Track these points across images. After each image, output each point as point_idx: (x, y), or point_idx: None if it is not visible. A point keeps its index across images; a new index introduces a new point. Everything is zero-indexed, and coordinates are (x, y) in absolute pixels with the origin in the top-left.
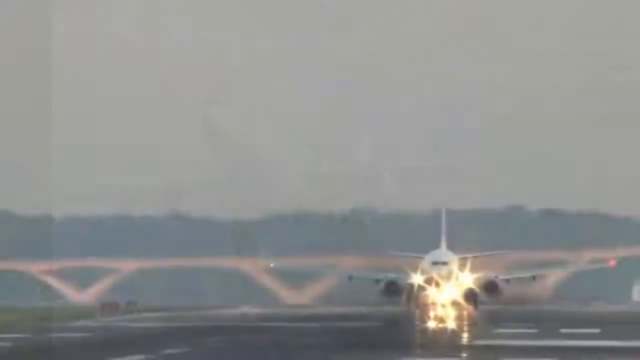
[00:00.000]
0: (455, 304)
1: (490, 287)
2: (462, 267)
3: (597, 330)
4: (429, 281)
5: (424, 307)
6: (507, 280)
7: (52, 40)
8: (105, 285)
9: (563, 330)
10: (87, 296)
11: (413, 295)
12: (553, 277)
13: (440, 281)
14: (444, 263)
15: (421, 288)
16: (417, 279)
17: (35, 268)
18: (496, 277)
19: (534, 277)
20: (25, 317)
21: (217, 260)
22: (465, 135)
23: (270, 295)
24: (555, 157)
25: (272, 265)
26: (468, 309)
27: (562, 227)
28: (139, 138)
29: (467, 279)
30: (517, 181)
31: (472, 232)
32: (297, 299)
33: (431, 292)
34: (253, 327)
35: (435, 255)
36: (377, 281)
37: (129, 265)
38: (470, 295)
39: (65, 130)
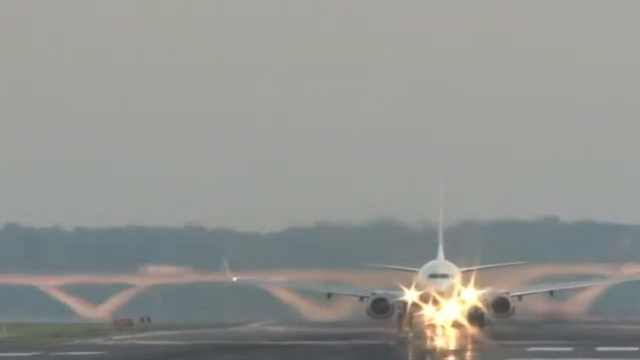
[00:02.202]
0: (456, 325)
1: (499, 305)
2: (465, 281)
3: (636, 349)
4: (425, 298)
5: (419, 329)
6: (520, 297)
7: None
8: (118, 301)
9: (599, 349)
10: (99, 312)
11: (406, 315)
12: (590, 292)
13: (439, 298)
14: (444, 276)
15: (415, 306)
16: (410, 295)
17: (46, 282)
18: (507, 293)
19: (551, 293)
20: (35, 334)
21: (236, 274)
22: None
23: (291, 311)
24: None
25: (235, 279)
26: (472, 330)
27: (598, 239)
28: None
29: (472, 295)
30: (552, 190)
31: (501, 244)
32: (319, 316)
33: (428, 311)
34: (271, 345)
35: (432, 266)
36: (362, 299)
37: (144, 280)
38: (475, 315)
39: None
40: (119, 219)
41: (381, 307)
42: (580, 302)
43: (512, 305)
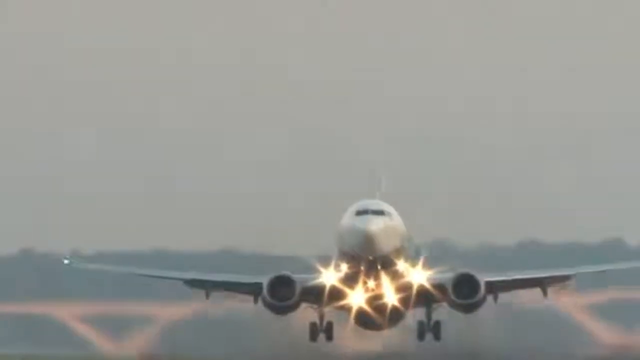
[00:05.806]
0: (395, 315)
1: (463, 284)
2: (417, 257)
3: None
4: (352, 278)
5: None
6: (495, 293)
7: None
8: (145, 333)
9: None
10: (123, 346)
11: (324, 315)
12: None
13: (368, 244)
14: (377, 212)
15: (339, 295)
16: (329, 276)
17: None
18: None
19: (544, 293)
20: None
21: None
22: None
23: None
24: None
25: (66, 261)
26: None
27: None
28: None
29: (421, 274)
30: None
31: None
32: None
33: (357, 296)
34: None
35: (363, 203)
36: (256, 297)
37: (170, 310)
38: (425, 324)
39: None
40: (143, 242)
41: (283, 293)
42: None
43: (482, 288)
